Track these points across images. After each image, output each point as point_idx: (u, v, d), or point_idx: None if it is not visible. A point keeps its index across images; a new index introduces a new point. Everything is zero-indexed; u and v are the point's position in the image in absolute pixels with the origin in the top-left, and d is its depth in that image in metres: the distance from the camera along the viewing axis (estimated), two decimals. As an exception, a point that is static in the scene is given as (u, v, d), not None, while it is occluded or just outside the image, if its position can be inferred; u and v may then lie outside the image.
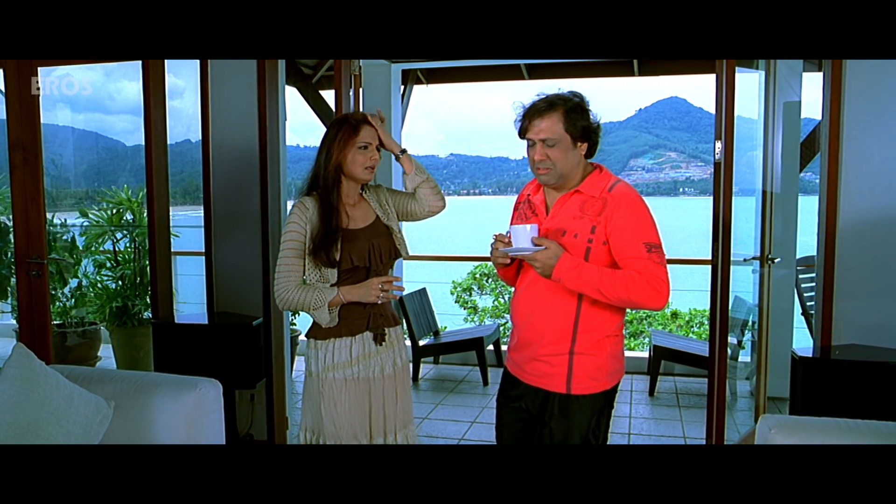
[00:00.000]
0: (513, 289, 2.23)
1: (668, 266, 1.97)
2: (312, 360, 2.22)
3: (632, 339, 7.26)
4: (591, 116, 2.01)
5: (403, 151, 2.31)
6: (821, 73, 4.54)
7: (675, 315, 7.39)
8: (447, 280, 7.57)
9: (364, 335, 2.21)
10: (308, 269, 2.17)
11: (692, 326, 7.30)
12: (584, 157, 2.03)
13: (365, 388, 2.20)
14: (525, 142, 2.05)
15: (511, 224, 2.13)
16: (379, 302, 2.17)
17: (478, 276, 7.40)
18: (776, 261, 3.63)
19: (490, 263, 2.15)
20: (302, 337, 5.36)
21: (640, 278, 1.89)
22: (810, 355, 2.74)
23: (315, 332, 2.22)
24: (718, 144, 2.97)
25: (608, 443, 2.20)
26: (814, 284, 4.98)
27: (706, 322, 7.27)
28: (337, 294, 2.14)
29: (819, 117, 4.99)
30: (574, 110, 1.97)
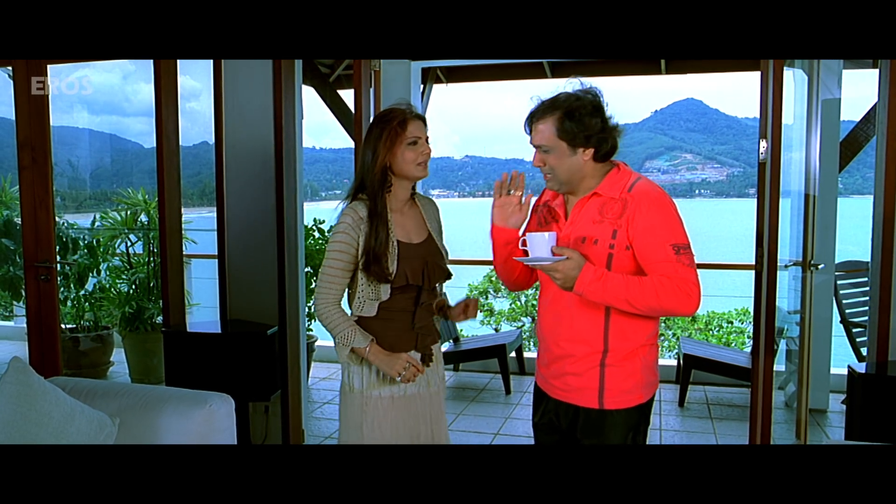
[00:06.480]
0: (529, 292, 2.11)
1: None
2: (356, 375, 2.05)
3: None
4: (603, 117, 1.83)
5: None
6: (860, 70, 4.38)
7: (693, 318, 7.19)
8: (463, 283, 7.42)
9: (410, 353, 2.07)
10: (361, 283, 2.00)
11: (710, 329, 7.12)
12: (597, 160, 1.84)
13: (410, 406, 2.07)
14: None
15: (528, 228, 1.98)
16: (398, 380, 2.01)
17: (493, 278, 7.26)
18: (820, 267, 3.43)
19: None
20: (319, 343, 5.21)
21: (670, 283, 1.74)
22: (864, 370, 2.55)
23: None
24: (763, 143, 2.79)
25: None
26: (853, 291, 4.79)
27: (724, 325, 7.11)
28: (366, 346, 1.99)
29: (856, 118, 4.86)
30: (571, 115, 1.79)
